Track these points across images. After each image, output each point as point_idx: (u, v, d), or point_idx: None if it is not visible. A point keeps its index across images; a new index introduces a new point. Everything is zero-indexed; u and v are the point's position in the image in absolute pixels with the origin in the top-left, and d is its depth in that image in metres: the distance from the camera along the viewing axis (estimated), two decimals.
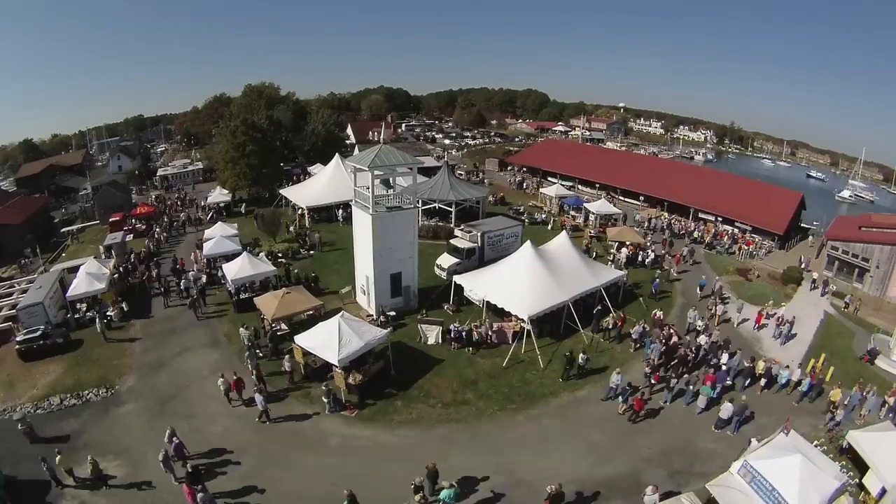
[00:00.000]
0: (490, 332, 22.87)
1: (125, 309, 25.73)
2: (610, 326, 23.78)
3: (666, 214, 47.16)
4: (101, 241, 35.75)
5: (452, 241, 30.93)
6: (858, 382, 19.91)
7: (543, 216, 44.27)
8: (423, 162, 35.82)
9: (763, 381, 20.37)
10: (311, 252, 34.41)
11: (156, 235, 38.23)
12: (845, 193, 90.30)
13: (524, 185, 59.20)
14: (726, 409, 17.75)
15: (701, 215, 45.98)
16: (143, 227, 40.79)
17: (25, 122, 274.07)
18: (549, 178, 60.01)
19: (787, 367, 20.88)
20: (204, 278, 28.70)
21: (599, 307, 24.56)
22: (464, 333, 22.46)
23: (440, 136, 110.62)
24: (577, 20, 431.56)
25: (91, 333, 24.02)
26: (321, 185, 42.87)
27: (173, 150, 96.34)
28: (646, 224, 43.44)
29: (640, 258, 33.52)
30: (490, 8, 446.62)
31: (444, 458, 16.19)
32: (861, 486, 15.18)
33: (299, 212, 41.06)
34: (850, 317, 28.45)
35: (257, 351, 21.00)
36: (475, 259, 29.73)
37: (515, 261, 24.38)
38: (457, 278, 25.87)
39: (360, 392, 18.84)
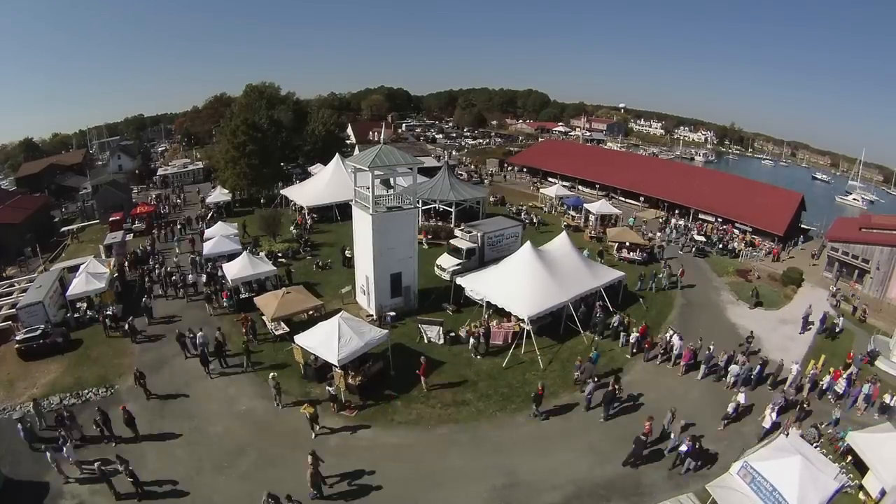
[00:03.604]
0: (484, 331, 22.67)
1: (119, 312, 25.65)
2: (616, 324, 23.66)
3: (665, 214, 47.30)
4: (102, 241, 35.76)
5: (453, 242, 30.93)
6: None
7: (536, 217, 44.38)
8: (423, 162, 35.84)
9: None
10: (317, 255, 34.29)
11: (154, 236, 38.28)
12: (849, 197, 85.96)
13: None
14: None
15: (701, 216, 46.06)
16: (143, 226, 40.84)
17: (26, 122, 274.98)
18: (550, 179, 60.02)
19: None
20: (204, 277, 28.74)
21: (600, 312, 24.60)
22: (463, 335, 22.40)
23: (440, 136, 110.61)
24: (577, 20, 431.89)
25: (91, 333, 24.06)
26: (321, 185, 42.90)
27: (173, 149, 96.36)
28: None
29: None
30: (490, 8, 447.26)
31: (443, 459, 16.24)
32: (861, 488, 15.18)
33: (302, 211, 41.09)
34: (850, 318, 28.43)
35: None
36: (475, 259, 29.73)
37: (515, 261, 24.38)
38: (457, 279, 25.90)
39: (360, 392, 18.87)
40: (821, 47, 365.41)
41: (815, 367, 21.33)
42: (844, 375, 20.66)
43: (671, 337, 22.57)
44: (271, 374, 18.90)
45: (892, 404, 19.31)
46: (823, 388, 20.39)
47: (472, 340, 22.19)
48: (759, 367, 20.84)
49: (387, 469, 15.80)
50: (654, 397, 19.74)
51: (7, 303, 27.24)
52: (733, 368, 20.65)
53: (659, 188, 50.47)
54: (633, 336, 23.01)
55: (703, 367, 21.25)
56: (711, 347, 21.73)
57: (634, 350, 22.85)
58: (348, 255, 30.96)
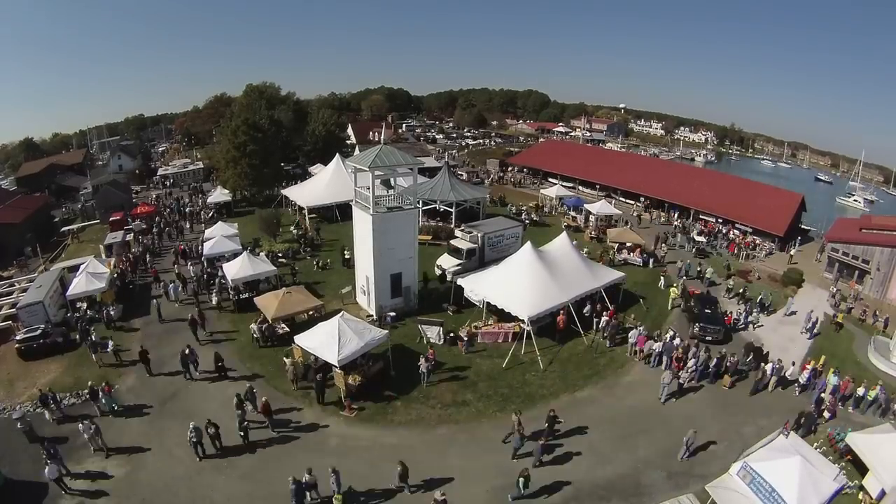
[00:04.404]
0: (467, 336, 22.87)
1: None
2: (603, 325, 23.74)
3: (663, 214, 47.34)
4: (102, 241, 35.78)
5: (453, 242, 30.94)
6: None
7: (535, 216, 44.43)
8: (423, 162, 35.86)
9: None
10: (317, 255, 34.31)
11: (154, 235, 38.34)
12: (850, 199, 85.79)
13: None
14: None
15: (701, 216, 46.05)
16: (144, 226, 40.89)
17: (26, 121, 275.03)
18: (550, 179, 60.04)
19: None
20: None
21: (589, 309, 24.79)
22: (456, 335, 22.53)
23: (441, 136, 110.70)
24: (577, 20, 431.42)
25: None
26: (321, 185, 42.93)
27: (173, 149, 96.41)
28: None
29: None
30: (490, 8, 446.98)
31: (443, 459, 16.25)
32: (861, 488, 15.17)
33: (303, 212, 41.17)
34: (850, 318, 28.42)
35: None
36: (475, 260, 29.75)
37: (515, 262, 24.38)
38: (457, 279, 25.94)
39: (361, 393, 18.90)
40: (821, 47, 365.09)
41: (816, 367, 21.36)
42: (809, 367, 20.82)
43: (671, 338, 22.61)
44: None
45: (867, 397, 19.45)
46: (787, 377, 20.58)
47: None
48: (715, 360, 21.09)
49: (387, 469, 15.79)
50: (653, 398, 19.75)
51: (7, 302, 27.28)
52: (691, 363, 20.80)
53: (659, 189, 50.45)
54: (604, 321, 23.63)
55: (664, 358, 21.62)
56: (677, 339, 22.21)
57: (606, 335, 23.61)
58: (347, 257, 31.07)
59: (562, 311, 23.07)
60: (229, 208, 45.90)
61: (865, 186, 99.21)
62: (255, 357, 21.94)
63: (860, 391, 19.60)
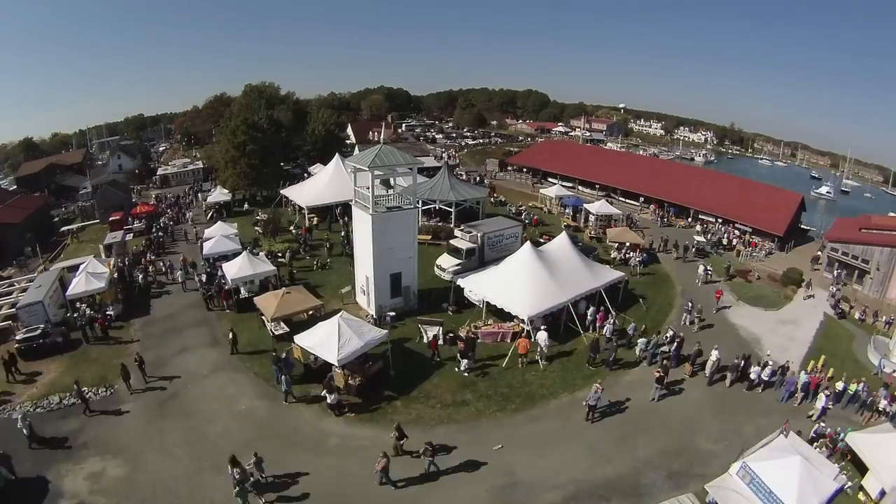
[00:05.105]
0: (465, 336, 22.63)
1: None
2: (609, 335, 23.15)
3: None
4: (101, 241, 35.76)
5: (452, 242, 30.93)
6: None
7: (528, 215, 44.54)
8: (422, 162, 35.86)
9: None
10: (317, 255, 34.41)
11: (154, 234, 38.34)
12: (822, 189, 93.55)
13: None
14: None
15: (701, 216, 46.07)
16: (143, 226, 40.86)
17: (26, 121, 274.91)
18: (549, 179, 60.03)
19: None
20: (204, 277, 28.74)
21: (591, 310, 24.71)
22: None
23: (440, 136, 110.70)
24: (578, 20, 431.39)
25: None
26: (321, 185, 42.91)
27: (173, 149, 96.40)
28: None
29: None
30: (490, 8, 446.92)
31: (443, 459, 16.23)
32: (861, 488, 15.19)
33: (302, 211, 41.20)
34: (850, 318, 28.46)
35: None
36: (475, 259, 29.74)
37: (515, 261, 24.38)
38: (458, 279, 25.95)
39: (360, 392, 18.88)
40: (822, 47, 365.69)
41: (816, 368, 21.39)
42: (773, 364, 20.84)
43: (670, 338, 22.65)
44: None
45: (847, 391, 19.56)
46: (751, 377, 20.48)
47: (464, 362, 20.84)
48: (676, 343, 20.91)
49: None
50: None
51: (7, 302, 27.25)
52: (641, 342, 20.85)
53: (659, 188, 50.46)
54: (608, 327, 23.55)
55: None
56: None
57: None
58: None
59: (522, 336, 21.68)
60: (229, 208, 45.87)
61: (859, 183, 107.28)
62: (254, 357, 21.94)
63: (839, 385, 19.65)
